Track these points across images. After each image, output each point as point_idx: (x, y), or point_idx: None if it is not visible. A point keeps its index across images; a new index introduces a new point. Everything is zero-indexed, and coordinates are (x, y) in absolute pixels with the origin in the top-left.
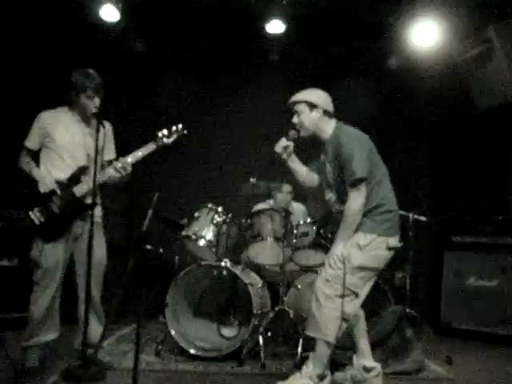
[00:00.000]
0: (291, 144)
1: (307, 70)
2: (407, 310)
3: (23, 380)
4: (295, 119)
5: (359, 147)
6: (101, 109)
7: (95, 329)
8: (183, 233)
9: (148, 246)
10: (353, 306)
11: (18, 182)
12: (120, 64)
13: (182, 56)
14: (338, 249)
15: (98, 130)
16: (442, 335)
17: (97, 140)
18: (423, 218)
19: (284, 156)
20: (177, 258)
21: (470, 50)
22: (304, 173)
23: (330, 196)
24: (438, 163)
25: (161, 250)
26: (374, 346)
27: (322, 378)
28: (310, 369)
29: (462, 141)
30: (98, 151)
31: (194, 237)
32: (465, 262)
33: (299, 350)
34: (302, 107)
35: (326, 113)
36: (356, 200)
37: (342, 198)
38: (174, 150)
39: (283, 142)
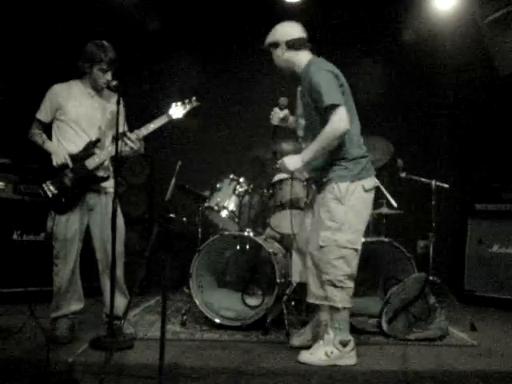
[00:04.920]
0: (286, 111)
1: (325, 42)
2: (430, 278)
3: (54, 349)
4: (273, 57)
5: (331, 78)
6: (116, 82)
7: (118, 301)
8: (205, 204)
9: (171, 215)
10: (356, 263)
11: (41, 157)
12: (132, 39)
13: (197, 29)
14: (297, 162)
15: (118, 103)
16: (466, 303)
17: (117, 113)
18: (446, 185)
19: (284, 125)
20: (200, 229)
21: (493, 13)
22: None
23: (299, 133)
24: (461, 130)
25: (184, 219)
26: (398, 313)
27: (344, 344)
28: (332, 336)
29: (485, 107)
30: (118, 124)
31: (216, 208)
32: (488, 229)
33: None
34: (271, 50)
35: (290, 46)
36: (335, 122)
37: (306, 135)
38: (195, 122)
39: (278, 113)
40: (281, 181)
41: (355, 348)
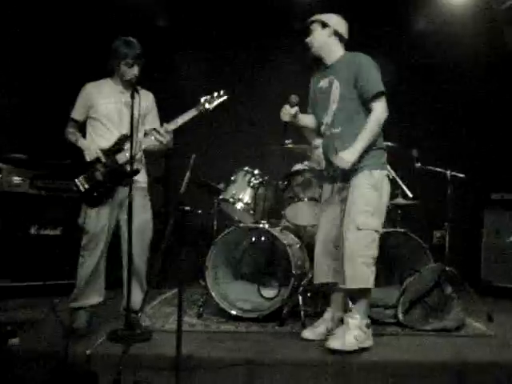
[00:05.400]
0: (296, 108)
1: None
2: (446, 268)
3: (72, 341)
4: (308, 38)
5: (378, 68)
6: (139, 78)
7: (136, 295)
8: (220, 196)
9: (186, 208)
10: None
11: (57, 153)
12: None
13: (204, 25)
14: (354, 154)
15: (132, 97)
16: (482, 293)
17: (132, 107)
18: (461, 175)
19: (294, 121)
20: (215, 221)
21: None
22: (313, 121)
23: (325, 120)
24: (476, 120)
25: (199, 211)
26: (414, 304)
27: (368, 326)
28: (358, 320)
29: (500, 96)
30: (133, 118)
31: (231, 200)
32: (504, 219)
33: None
34: (314, 26)
35: (336, 34)
36: (380, 110)
37: (337, 122)
38: (211, 117)
39: (289, 110)
40: (296, 172)
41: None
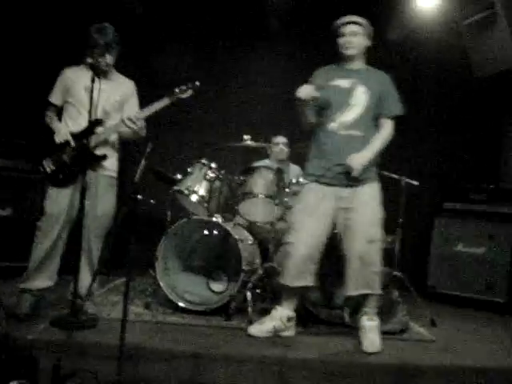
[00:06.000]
0: (318, 94)
1: (311, 41)
2: (394, 273)
3: (15, 325)
4: (347, 37)
5: None
6: (91, 60)
7: (86, 281)
8: (175, 187)
9: (139, 197)
10: None
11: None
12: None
13: (181, 20)
14: (367, 159)
15: (93, 81)
16: (428, 299)
17: (91, 92)
18: (415, 183)
19: (309, 103)
20: (169, 212)
21: (473, 16)
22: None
23: (340, 119)
24: (434, 128)
25: (152, 201)
26: (360, 305)
27: None
28: (378, 321)
29: (457, 107)
30: (92, 103)
31: (186, 192)
32: (454, 228)
33: None
34: (360, 28)
35: (368, 46)
36: (392, 130)
37: (356, 124)
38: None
39: (311, 90)
40: (253, 168)
41: None
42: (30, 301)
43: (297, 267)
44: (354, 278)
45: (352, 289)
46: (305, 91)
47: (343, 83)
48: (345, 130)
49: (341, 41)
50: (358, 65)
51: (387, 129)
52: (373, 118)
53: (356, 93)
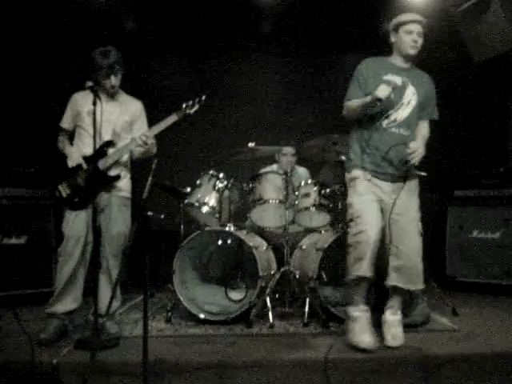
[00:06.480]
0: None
1: (304, 40)
2: None
3: (40, 351)
4: (414, 36)
5: None
6: (91, 84)
7: (107, 299)
8: (186, 201)
9: (149, 213)
10: None
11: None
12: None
13: (173, 31)
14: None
15: (94, 103)
16: (448, 289)
17: (93, 114)
18: (423, 174)
19: (384, 101)
20: (182, 226)
21: (466, 2)
22: None
23: (394, 116)
24: (439, 117)
25: (162, 216)
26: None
27: None
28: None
29: (461, 94)
30: (95, 124)
31: (197, 204)
32: (468, 215)
33: (306, 309)
34: (423, 31)
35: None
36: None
37: (408, 124)
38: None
39: (389, 89)
40: (260, 175)
41: None
42: (54, 325)
43: (373, 254)
44: (404, 272)
45: (402, 281)
46: (383, 92)
47: (396, 80)
48: (396, 128)
49: (407, 38)
50: (408, 64)
51: (427, 131)
52: (417, 119)
53: (408, 92)
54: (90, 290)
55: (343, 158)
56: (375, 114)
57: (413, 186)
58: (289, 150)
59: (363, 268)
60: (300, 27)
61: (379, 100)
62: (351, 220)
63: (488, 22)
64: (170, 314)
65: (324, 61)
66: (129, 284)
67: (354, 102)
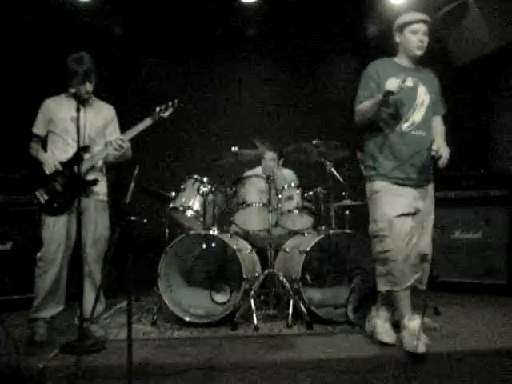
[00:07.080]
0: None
1: (290, 40)
2: None
3: (25, 355)
4: (420, 36)
5: None
6: (74, 90)
7: (91, 303)
8: (171, 205)
9: (132, 218)
10: None
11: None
12: (100, 47)
13: (160, 35)
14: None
15: (78, 110)
16: (430, 289)
17: (77, 119)
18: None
19: (395, 94)
20: (167, 230)
21: (445, 6)
22: None
23: (412, 118)
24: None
25: (144, 220)
26: (363, 302)
27: None
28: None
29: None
30: (79, 132)
31: (181, 208)
32: (449, 216)
33: (290, 310)
34: (428, 29)
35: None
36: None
37: (424, 123)
38: (157, 127)
39: (400, 82)
40: (243, 178)
41: None
42: (44, 327)
43: (404, 265)
44: (427, 272)
45: (424, 284)
46: (394, 84)
47: (410, 80)
48: (415, 130)
49: (413, 38)
50: (414, 63)
51: (443, 126)
52: (431, 119)
53: (420, 92)
54: (74, 295)
55: (326, 161)
56: (392, 117)
57: (432, 189)
58: (269, 154)
59: (392, 282)
60: (284, 33)
61: (391, 93)
62: (375, 236)
63: (467, 27)
64: (155, 317)
65: (308, 65)
66: (115, 289)
67: (365, 104)
